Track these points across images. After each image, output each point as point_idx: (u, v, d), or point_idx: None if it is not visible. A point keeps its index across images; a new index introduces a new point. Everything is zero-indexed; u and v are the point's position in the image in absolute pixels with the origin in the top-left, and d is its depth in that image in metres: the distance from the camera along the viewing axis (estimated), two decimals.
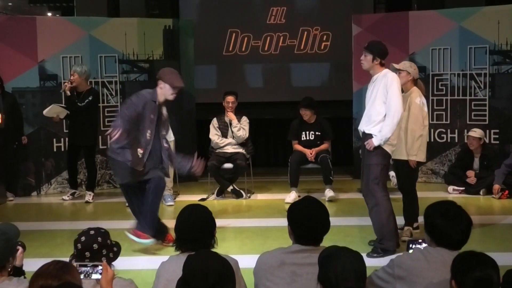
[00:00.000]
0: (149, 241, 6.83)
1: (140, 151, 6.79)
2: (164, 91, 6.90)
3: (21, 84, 10.24)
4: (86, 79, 9.64)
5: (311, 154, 9.49)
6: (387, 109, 6.41)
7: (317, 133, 9.69)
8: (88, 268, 3.50)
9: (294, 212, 3.73)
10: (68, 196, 9.91)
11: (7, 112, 9.65)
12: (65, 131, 10.29)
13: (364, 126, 6.63)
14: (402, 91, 7.10)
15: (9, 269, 3.74)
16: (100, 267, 3.50)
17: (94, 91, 9.82)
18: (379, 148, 6.46)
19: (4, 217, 8.38)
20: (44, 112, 9.54)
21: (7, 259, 3.70)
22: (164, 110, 7.04)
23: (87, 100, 9.49)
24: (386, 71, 6.57)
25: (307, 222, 3.64)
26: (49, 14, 17.68)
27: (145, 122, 6.80)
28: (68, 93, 9.44)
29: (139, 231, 6.82)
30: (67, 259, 3.53)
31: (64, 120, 9.97)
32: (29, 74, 10.24)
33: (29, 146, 10.19)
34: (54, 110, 9.50)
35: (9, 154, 9.94)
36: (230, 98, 9.83)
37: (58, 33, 10.38)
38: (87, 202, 9.74)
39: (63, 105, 9.65)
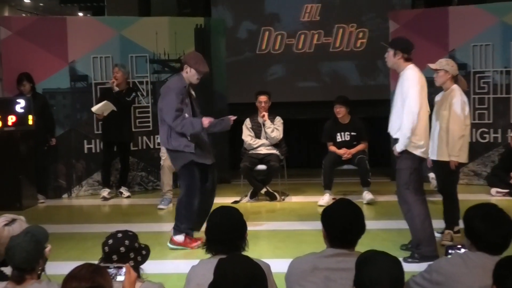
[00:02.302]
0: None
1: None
2: (190, 75, 7.13)
3: (52, 85, 10.34)
4: (126, 79, 10.01)
5: (347, 154, 9.40)
6: (404, 108, 6.27)
7: (352, 133, 9.60)
8: (112, 270, 3.51)
9: (328, 214, 3.71)
10: (108, 195, 10.11)
11: (38, 113, 9.77)
12: (95, 132, 10.40)
13: (391, 131, 6.54)
14: (442, 89, 7.03)
15: (39, 272, 3.77)
16: (123, 269, 3.52)
17: (135, 88, 10.23)
18: (405, 152, 6.34)
19: (34, 220, 8.40)
20: (94, 108, 9.74)
21: (36, 262, 3.73)
22: (192, 91, 7.30)
23: (133, 95, 9.91)
24: (407, 67, 6.40)
25: (341, 223, 3.61)
26: (80, 14, 17.85)
27: (184, 108, 7.06)
28: (117, 88, 9.73)
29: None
30: (96, 262, 3.55)
31: (95, 121, 10.09)
32: (60, 75, 10.34)
33: (59, 147, 10.30)
34: (104, 107, 9.66)
35: (40, 156, 10.05)
36: (262, 98, 9.81)
37: (89, 33, 10.48)
38: (122, 195, 10.21)
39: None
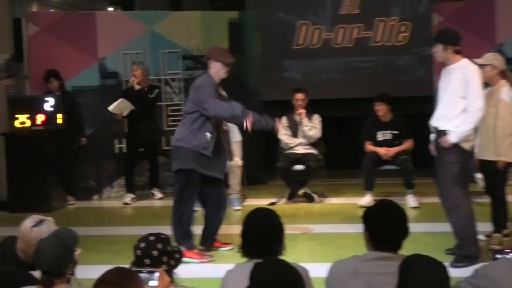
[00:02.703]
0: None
1: (208, 135, 6.88)
2: (217, 71, 6.99)
3: (81, 82, 10.44)
4: (146, 76, 9.98)
5: (388, 153, 9.33)
6: (469, 105, 6.27)
7: (394, 132, 9.53)
8: (144, 274, 3.52)
9: (369, 216, 3.69)
10: (130, 200, 10.08)
11: (66, 112, 9.86)
12: (125, 131, 10.45)
13: (438, 122, 6.51)
14: (488, 85, 6.96)
15: (69, 277, 3.80)
16: (156, 274, 3.52)
17: (157, 86, 10.23)
18: (456, 145, 6.33)
19: (64, 222, 8.41)
20: (111, 107, 9.75)
21: (65, 266, 3.76)
22: (222, 91, 7.16)
23: (156, 91, 9.91)
24: (464, 62, 6.41)
25: (384, 226, 3.60)
26: (110, 9, 17.96)
27: None
28: (138, 86, 9.74)
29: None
30: (128, 266, 3.56)
31: (125, 120, 10.15)
32: (89, 72, 10.44)
33: (89, 147, 10.38)
34: (121, 105, 9.69)
35: (69, 156, 10.14)
36: (299, 96, 9.79)
37: (119, 28, 10.55)
38: (154, 197, 10.29)
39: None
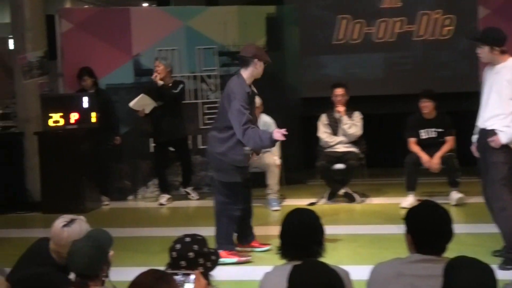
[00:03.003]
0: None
1: (247, 149, 6.92)
2: (259, 70, 6.97)
3: (115, 80, 10.51)
4: (170, 72, 9.94)
5: (432, 166, 9.21)
6: None
7: (439, 130, 9.43)
8: (179, 277, 3.53)
9: (412, 218, 3.66)
10: (165, 201, 10.11)
11: (100, 110, 9.93)
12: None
13: (485, 122, 6.44)
14: None
15: (103, 279, 3.83)
16: (192, 276, 3.53)
17: (182, 81, 10.13)
18: (505, 145, 6.26)
19: (98, 223, 8.48)
20: (131, 103, 9.76)
21: (100, 268, 3.79)
22: (253, 88, 7.09)
23: (180, 87, 9.84)
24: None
25: (426, 228, 3.57)
26: (145, 4, 18.11)
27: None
28: (161, 82, 9.71)
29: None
30: (163, 268, 3.57)
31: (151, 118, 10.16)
32: (123, 69, 10.51)
33: (123, 146, 10.44)
34: (142, 102, 9.70)
35: (103, 156, 10.21)
36: (338, 91, 9.74)
37: (153, 24, 10.60)
38: (191, 197, 10.27)
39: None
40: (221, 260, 6.62)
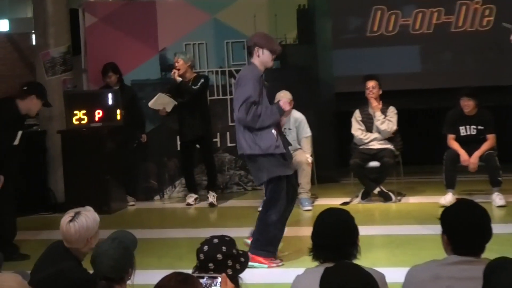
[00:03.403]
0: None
1: (273, 132, 6.79)
2: (264, 59, 6.88)
3: (141, 76, 10.55)
4: (191, 67, 9.90)
5: (471, 165, 9.15)
6: None
7: (479, 127, 9.32)
8: (206, 280, 3.53)
9: (448, 217, 3.64)
10: (193, 201, 10.12)
11: (126, 107, 9.96)
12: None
13: None
14: None
15: (128, 282, 3.84)
16: (219, 279, 3.53)
17: (204, 76, 10.06)
18: None
19: (123, 224, 8.63)
20: (150, 103, 9.77)
21: (125, 271, 3.81)
22: (265, 81, 7.07)
23: (200, 82, 9.73)
24: None
25: (462, 228, 3.54)
26: None
27: (261, 101, 6.81)
28: (179, 79, 9.67)
29: None
30: (190, 271, 3.58)
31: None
32: (149, 64, 10.54)
33: (150, 145, 10.46)
34: (160, 101, 9.70)
35: (129, 154, 10.25)
36: (371, 83, 9.69)
37: (180, 17, 10.63)
38: (211, 204, 9.96)
39: (169, 95, 9.77)
40: (251, 264, 6.70)
